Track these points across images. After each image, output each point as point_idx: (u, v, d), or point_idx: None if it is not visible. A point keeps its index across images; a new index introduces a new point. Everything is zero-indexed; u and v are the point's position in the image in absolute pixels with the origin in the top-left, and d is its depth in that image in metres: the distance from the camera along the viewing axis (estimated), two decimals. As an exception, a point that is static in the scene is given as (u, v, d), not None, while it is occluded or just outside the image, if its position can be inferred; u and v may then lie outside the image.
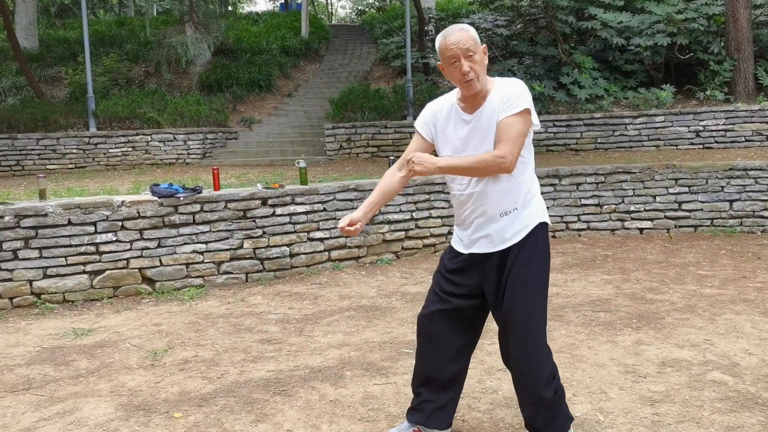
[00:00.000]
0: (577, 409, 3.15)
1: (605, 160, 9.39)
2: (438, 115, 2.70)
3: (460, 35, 2.49)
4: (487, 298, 2.67)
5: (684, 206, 7.93)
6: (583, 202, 8.05)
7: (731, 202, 7.87)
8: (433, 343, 2.78)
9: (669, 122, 10.94)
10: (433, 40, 16.58)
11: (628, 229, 8.00)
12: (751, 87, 11.53)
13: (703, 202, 7.90)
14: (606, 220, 8.03)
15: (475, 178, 2.60)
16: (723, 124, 10.72)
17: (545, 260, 2.64)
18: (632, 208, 8.00)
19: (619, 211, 8.03)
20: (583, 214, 8.06)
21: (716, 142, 10.73)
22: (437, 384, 2.80)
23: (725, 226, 7.83)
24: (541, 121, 11.51)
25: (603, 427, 2.97)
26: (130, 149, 12.12)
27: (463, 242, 2.72)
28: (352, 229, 2.62)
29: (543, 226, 2.65)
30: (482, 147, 2.57)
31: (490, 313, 2.75)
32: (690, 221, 7.92)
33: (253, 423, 3.13)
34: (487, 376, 3.63)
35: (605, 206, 8.03)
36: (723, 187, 7.88)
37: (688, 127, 10.86)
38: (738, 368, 3.63)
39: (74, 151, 11.86)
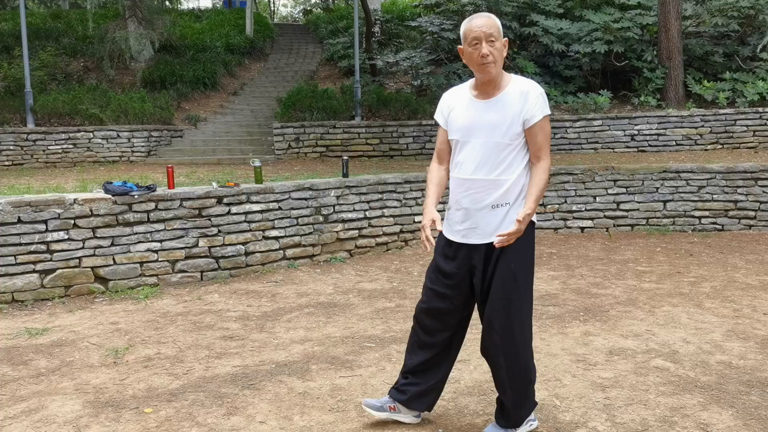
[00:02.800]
0: (536, 395, 3.35)
1: (548, 162, 9.75)
2: (452, 103, 2.84)
3: (486, 20, 2.65)
4: (475, 287, 2.82)
5: (622, 206, 8.36)
6: (528, 202, 8.36)
7: (665, 202, 8.34)
8: (427, 333, 2.92)
9: (606, 126, 11.46)
10: (379, 42, 16.77)
11: (570, 228, 8.37)
12: (681, 94, 12.20)
13: (639, 202, 8.35)
14: (550, 219, 8.38)
15: (480, 165, 2.71)
16: (656, 129, 11.32)
17: (532, 256, 2.79)
18: (574, 207, 8.37)
19: (562, 211, 8.38)
20: (528, 213, 8.37)
21: (650, 145, 11.31)
22: (426, 371, 2.94)
23: (660, 225, 8.30)
24: (486, 124, 11.86)
25: (560, 411, 3.18)
26: (71, 146, 11.77)
27: (452, 230, 2.87)
28: (436, 227, 2.79)
29: (531, 224, 2.76)
30: (494, 133, 2.67)
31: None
32: (627, 220, 8.36)
33: (225, 416, 3.19)
34: (448, 367, 3.79)
35: (549, 206, 8.37)
36: (657, 188, 8.35)
37: (624, 131, 11.41)
38: (678, 355, 3.92)
39: (11, 147, 11.43)
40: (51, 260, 5.42)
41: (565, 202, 8.38)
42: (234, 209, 6.28)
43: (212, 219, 6.16)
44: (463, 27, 2.70)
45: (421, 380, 2.95)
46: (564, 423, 3.04)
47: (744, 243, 7.47)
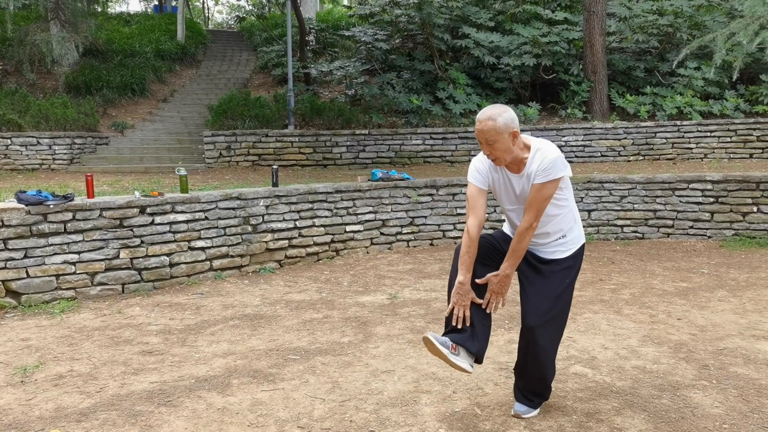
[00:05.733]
0: (457, 405, 3.37)
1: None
2: (491, 170, 3.08)
3: (483, 125, 2.87)
4: (524, 272, 3.12)
5: (549, 215, 8.57)
6: (459, 211, 8.48)
7: (589, 211, 8.61)
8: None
9: (535, 137, 11.75)
10: (314, 51, 16.72)
11: (499, 236, 8.51)
12: (606, 107, 12.67)
13: (565, 211, 8.57)
14: (480, 229, 8.49)
15: (520, 217, 3.07)
16: (582, 140, 11.70)
17: (577, 273, 3.20)
18: (501, 217, 8.51)
19: (492, 220, 8.53)
20: (459, 222, 8.48)
21: (576, 156, 11.68)
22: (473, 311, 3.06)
23: (584, 234, 8.55)
24: (418, 134, 11.99)
25: (480, 420, 3.20)
26: (-14, 153, 11.18)
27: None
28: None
29: (582, 246, 3.20)
30: (521, 202, 3.04)
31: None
32: (554, 229, 8.56)
33: (138, 435, 3.06)
34: (372, 378, 3.77)
35: (479, 215, 8.49)
36: (582, 198, 8.61)
37: (552, 142, 11.72)
38: (596, 361, 4.02)
39: None
40: (-44, 274, 5.10)
41: (494, 211, 8.53)
42: (158, 219, 6.09)
43: (135, 229, 5.95)
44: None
45: (471, 322, 3.05)
46: (484, 431, 3.06)
47: (662, 251, 7.79)
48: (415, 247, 8.24)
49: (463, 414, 3.25)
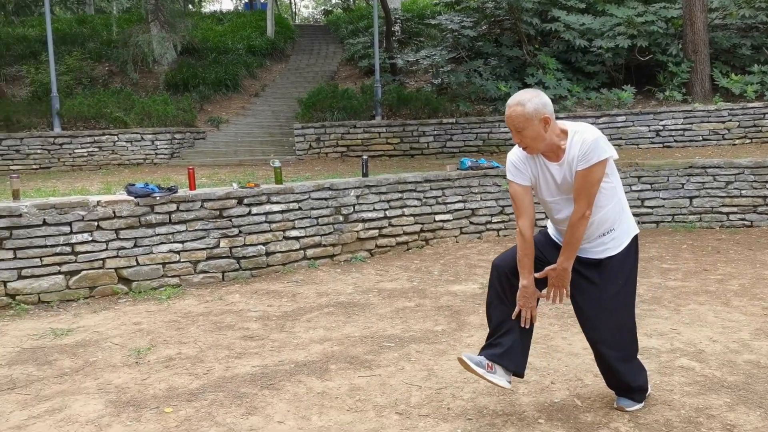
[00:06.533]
0: (556, 395, 3.31)
1: (570, 159, 9.65)
2: (528, 163, 2.93)
3: (511, 111, 2.75)
4: (572, 281, 2.97)
5: (647, 203, 8.23)
6: (551, 199, 8.27)
7: (691, 198, 8.19)
8: (510, 286, 3.00)
9: (630, 122, 11.30)
10: (399, 41, 16.75)
11: (593, 225, 8.25)
12: (708, 88, 11.97)
13: (664, 198, 8.21)
14: (573, 217, 8.26)
15: (569, 214, 2.86)
16: (681, 124, 11.12)
17: (635, 266, 3.00)
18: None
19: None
20: (551, 211, 8.27)
21: (675, 141, 11.12)
22: (511, 327, 2.98)
23: (686, 222, 8.15)
24: (507, 121, 11.77)
25: (581, 411, 3.13)
26: (96, 149, 11.95)
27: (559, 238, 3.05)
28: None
29: (635, 238, 2.99)
30: (565, 192, 2.88)
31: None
32: (652, 217, 8.22)
33: (244, 416, 3.20)
34: (468, 367, 3.76)
35: (572, 203, 8.26)
36: (683, 184, 8.20)
37: (649, 126, 11.24)
38: (703, 355, 3.83)
39: (38, 151, 11.64)
40: (76, 261, 5.49)
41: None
42: (255, 210, 6.31)
43: (233, 219, 6.19)
44: None
45: (508, 337, 2.98)
46: (585, 424, 2.99)
47: (773, 239, 7.30)
48: (505, 236, 8.12)
49: (563, 405, 3.19)
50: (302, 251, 6.63)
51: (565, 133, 2.80)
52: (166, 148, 12.41)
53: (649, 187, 8.24)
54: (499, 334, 3.00)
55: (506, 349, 2.96)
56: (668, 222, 8.20)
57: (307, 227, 6.65)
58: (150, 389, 3.57)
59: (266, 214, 6.38)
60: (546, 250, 3.02)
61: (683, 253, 6.76)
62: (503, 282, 3.01)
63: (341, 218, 6.92)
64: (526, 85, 12.57)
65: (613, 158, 2.83)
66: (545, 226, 3.19)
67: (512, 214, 8.17)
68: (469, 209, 7.96)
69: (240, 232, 6.22)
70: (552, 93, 12.04)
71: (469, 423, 3.04)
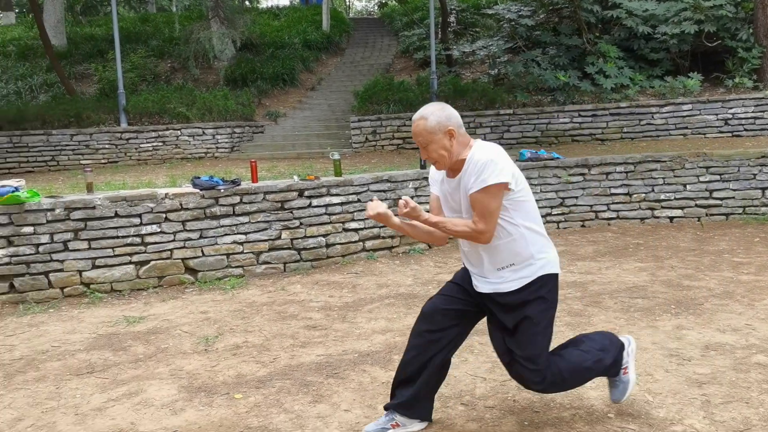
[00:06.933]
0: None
1: (633, 150, 9.40)
2: (439, 174, 2.84)
3: (415, 127, 2.64)
4: (489, 317, 2.83)
5: (715, 194, 7.93)
6: (613, 191, 8.08)
7: (763, 189, 7.85)
8: (431, 329, 2.84)
9: (696, 110, 10.90)
10: (455, 32, 16.61)
11: (658, 217, 8.02)
12: (780, 74, 11.43)
13: (734, 190, 7.89)
14: (636, 209, 8.05)
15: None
16: (752, 112, 10.66)
17: (548, 309, 2.71)
18: (662, 196, 8.01)
19: (649, 200, 8.04)
20: (613, 203, 8.09)
21: (745, 129, 10.67)
22: (419, 370, 2.85)
23: (758, 214, 7.82)
24: (565, 112, 11.55)
25: (652, 407, 3.05)
26: (160, 144, 12.32)
27: (469, 272, 2.86)
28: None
29: (548, 278, 2.70)
30: (455, 211, 2.73)
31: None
32: (721, 209, 7.92)
33: (312, 403, 3.26)
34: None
35: (635, 195, 8.05)
36: (755, 174, 7.86)
37: (717, 115, 10.82)
38: (781, 351, 3.68)
39: (107, 146, 12.08)
40: (145, 252, 5.69)
41: (653, 190, 8.03)
42: (315, 202, 6.39)
43: (294, 211, 6.29)
44: None
45: (410, 386, 2.87)
46: (658, 419, 2.92)
47: None
48: (565, 228, 7.98)
49: (633, 400, 3.12)
50: (361, 243, 6.68)
51: (470, 148, 2.65)
52: (226, 142, 12.69)
53: (718, 177, 7.93)
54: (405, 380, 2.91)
55: (412, 395, 2.87)
56: (738, 214, 7.88)
57: (366, 219, 6.69)
58: (219, 376, 3.67)
59: (326, 206, 6.45)
60: (465, 282, 2.89)
61: (756, 247, 6.49)
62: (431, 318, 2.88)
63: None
64: (585, 75, 12.29)
65: (512, 187, 2.58)
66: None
67: (573, 205, 8.03)
68: (528, 201, 7.84)
69: (301, 223, 6.32)
70: (614, 82, 11.72)
71: (537, 416, 3.01)
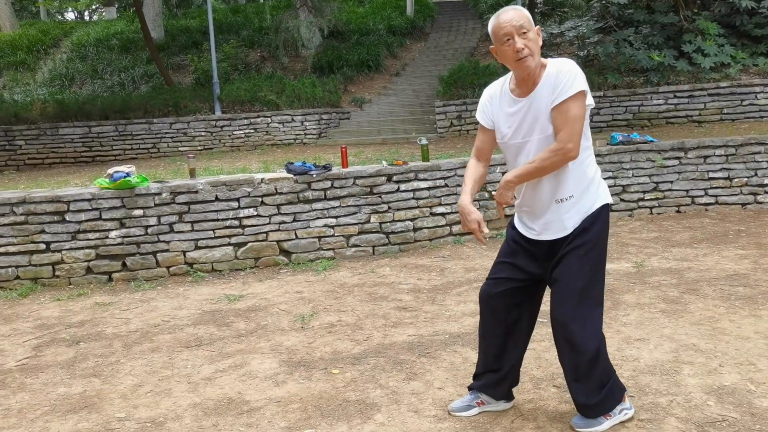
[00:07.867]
0: (726, 378, 3.17)
1: (733, 132, 8.94)
2: (493, 100, 2.72)
3: (513, 13, 2.49)
4: (545, 277, 2.75)
5: (827, 179, 7.46)
6: (711, 175, 7.74)
7: None
8: (495, 314, 2.84)
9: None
10: (542, 12, 16.24)
11: (761, 203, 7.62)
12: None
13: None
14: (737, 194, 7.68)
15: (527, 156, 2.61)
16: None
17: (603, 243, 2.65)
18: (766, 181, 7.61)
19: (752, 185, 7.65)
20: (711, 188, 7.75)
21: None
22: (498, 355, 2.87)
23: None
24: (659, 93, 11.11)
25: (755, 396, 2.97)
26: (252, 131, 12.81)
27: (526, 227, 2.78)
28: (481, 227, 2.71)
29: (603, 208, 2.64)
30: (533, 132, 2.58)
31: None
32: (833, 194, 7.44)
33: (405, 380, 3.38)
34: (626, 345, 3.69)
35: (735, 179, 7.68)
36: None
37: (829, 94, 10.11)
38: None
39: (202, 133, 12.69)
40: (243, 234, 5.99)
41: (756, 174, 7.63)
42: (403, 186, 6.50)
43: (382, 196, 6.43)
44: (491, 25, 2.55)
45: (498, 367, 2.89)
46: (761, 409, 2.85)
47: None
48: (659, 214, 7.72)
49: (734, 389, 3.05)
50: (448, 227, 6.74)
51: (543, 67, 2.55)
52: (314, 128, 13.03)
53: (829, 161, 7.44)
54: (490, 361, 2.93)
55: (497, 377, 2.90)
56: None
57: (452, 204, 6.74)
58: (317, 352, 3.86)
59: (414, 191, 6.55)
60: (518, 258, 2.77)
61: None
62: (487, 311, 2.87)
63: (486, 195, 6.94)
64: (681, 54, 11.74)
65: (590, 106, 2.52)
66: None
67: (667, 190, 7.75)
68: (619, 186, 7.65)
69: (389, 208, 6.45)
70: (713, 60, 11.16)
71: (631, 401, 3.00)
